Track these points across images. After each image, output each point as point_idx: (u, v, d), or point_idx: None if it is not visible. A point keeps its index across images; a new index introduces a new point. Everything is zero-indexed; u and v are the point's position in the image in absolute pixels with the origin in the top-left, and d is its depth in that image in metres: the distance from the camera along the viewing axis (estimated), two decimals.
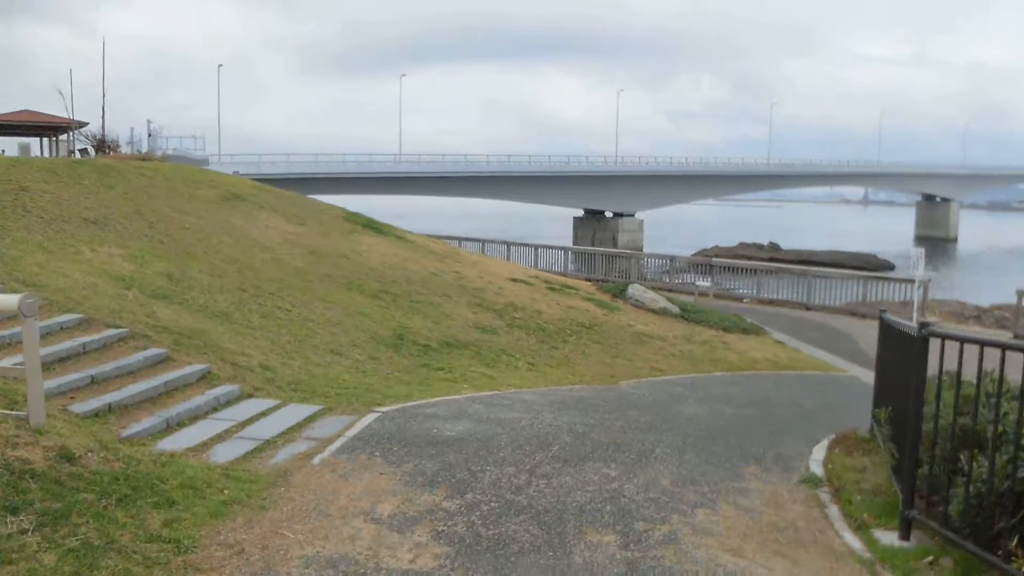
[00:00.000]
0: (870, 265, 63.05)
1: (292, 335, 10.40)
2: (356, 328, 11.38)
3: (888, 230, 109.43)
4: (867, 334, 19.28)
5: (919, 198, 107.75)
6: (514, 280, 18.03)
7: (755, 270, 25.49)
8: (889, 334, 7.06)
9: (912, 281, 20.46)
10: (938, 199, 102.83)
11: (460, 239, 32.51)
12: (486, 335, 13.19)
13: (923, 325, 5.19)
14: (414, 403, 8.10)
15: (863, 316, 21.43)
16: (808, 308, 22.65)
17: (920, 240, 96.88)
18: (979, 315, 30.18)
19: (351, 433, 6.94)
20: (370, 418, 7.40)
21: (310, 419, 7.34)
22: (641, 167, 78.84)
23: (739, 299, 24.17)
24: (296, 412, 7.51)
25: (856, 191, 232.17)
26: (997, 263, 61.90)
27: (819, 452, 7.35)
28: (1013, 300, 37.33)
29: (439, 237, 27.79)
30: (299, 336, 10.44)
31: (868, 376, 14.96)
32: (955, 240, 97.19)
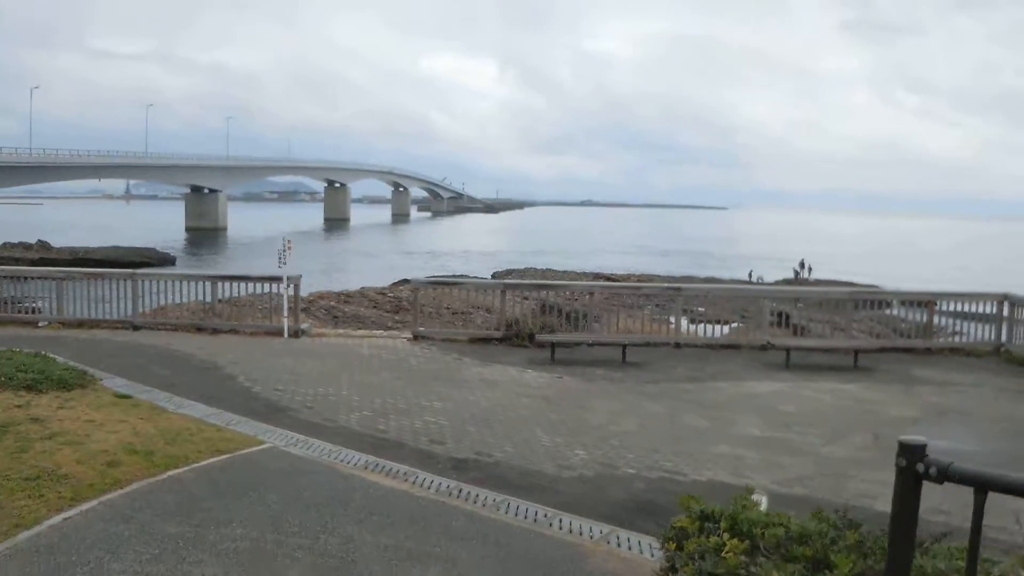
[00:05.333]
0: (153, 259, 58.22)
1: None
2: None
3: (158, 223, 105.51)
4: (237, 359, 13.93)
5: (186, 190, 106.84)
6: None
7: (53, 278, 17.46)
8: None
9: (279, 279, 15.86)
10: (206, 190, 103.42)
11: None
12: None
13: None
14: None
15: (214, 331, 16.07)
16: (136, 328, 16.27)
17: (192, 231, 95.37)
18: (307, 307, 27.58)
19: None
20: None
21: None
22: None
23: (34, 324, 16.45)
24: None
25: (119, 186, 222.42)
26: (263, 248, 62.65)
27: None
28: (331, 287, 36.11)
29: None
30: None
31: (297, 444, 9.55)
32: (225, 229, 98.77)
